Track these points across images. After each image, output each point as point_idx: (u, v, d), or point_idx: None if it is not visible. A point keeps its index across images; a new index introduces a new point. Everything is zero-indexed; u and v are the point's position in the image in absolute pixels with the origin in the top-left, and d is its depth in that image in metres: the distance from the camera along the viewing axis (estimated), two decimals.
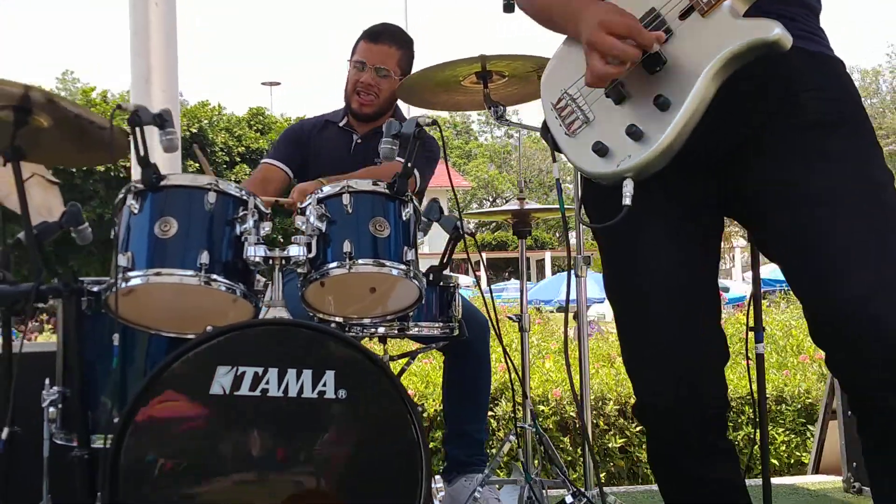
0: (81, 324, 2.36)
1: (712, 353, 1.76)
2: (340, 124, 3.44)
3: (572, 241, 3.18)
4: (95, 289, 2.43)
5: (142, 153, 2.24)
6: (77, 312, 2.33)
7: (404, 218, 2.36)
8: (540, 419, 5.37)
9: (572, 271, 2.62)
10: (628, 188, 1.58)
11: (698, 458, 1.79)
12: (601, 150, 1.63)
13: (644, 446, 5.40)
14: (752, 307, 2.56)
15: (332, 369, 2.07)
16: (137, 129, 2.23)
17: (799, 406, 5.66)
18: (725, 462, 1.82)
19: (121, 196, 2.32)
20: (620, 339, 1.83)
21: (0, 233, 2.94)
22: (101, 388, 2.45)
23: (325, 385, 2.07)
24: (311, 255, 2.27)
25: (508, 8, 2.58)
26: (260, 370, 2.05)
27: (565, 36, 1.77)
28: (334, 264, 2.28)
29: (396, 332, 2.69)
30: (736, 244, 41.11)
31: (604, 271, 1.84)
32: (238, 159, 23.97)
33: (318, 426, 2.07)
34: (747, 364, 2.58)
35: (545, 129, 1.72)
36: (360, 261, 2.26)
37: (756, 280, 2.57)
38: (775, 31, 1.49)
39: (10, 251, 2.39)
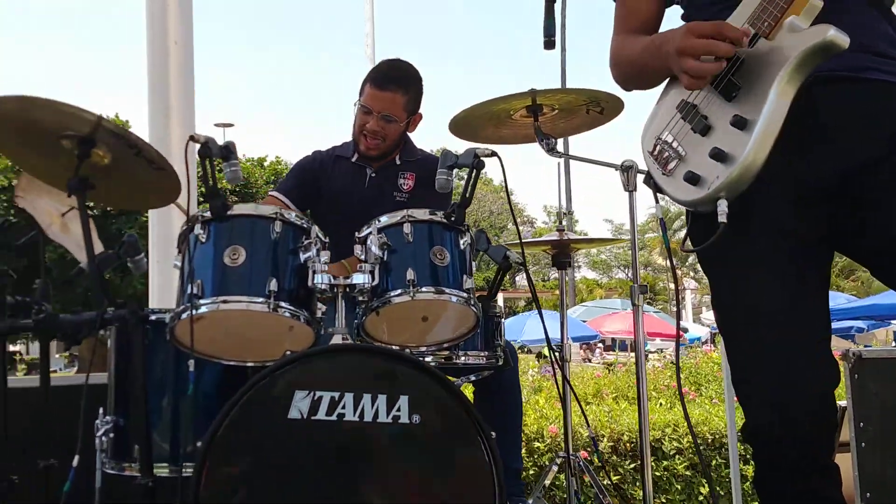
0: (146, 352, 2.37)
1: (825, 378, 1.83)
2: (353, 160, 3.46)
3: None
4: (153, 317, 2.46)
5: (210, 183, 2.29)
6: (142, 340, 2.34)
7: (462, 247, 2.43)
8: (535, 456, 5.42)
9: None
10: (722, 207, 1.69)
11: (807, 479, 1.85)
12: (692, 178, 1.73)
13: (637, 483, 5.49)
14: None
15: (406, 394, 2.12)
16: (207, 161, 2.28)
17: None
18: (831, 483, 1.88)
19: (185, 227, 2.36)
20: (732, 362, 1.89)
21: (41, 263, 2.97)
22: (156, 417, 2.47)
23: (399, 410, 2.12)
24: (374, 284, 2.33)
25: (549, 45, 2.69)
26: (336, 395, 2.10)
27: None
28: (397, 292, 2.33)
29: (443, 360, 2.73)
30: (686, 286, 41.74)
31: (715, 297, 1.92)
32: (201, 199, 23.80)
33: (393, 450, 2.11)
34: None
35: (648, 177, 1.85)
36: (422, 288, 2.32)
37: None
38: (830, 32, 1.63)
39: (46, 283, 2.40)
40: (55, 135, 2.29)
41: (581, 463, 3.02)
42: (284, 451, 2.08)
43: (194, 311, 2.21)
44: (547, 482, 3.12)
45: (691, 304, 38.60)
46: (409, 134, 3.42)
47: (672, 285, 44.87)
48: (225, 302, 2.24)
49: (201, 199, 2.59)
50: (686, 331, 24.88)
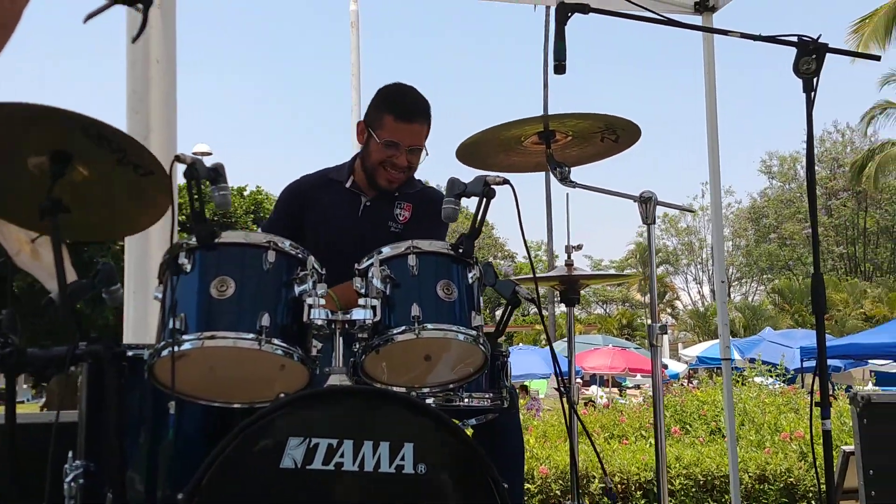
0: (121, 391, 2.16)
1: None
2: (347, 185, 3.23)
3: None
4: (130, 353, 2.26)
5: (197, 208, 2.10)
6: (118, 379, 2.14)
7: (470, 281, 2.25)
8: (525, 497, 5.23)
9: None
10: None
11: None
12: None
13: None
14: (815, 382, 2.46)
15: (411, 442, 1.93)
16: (193, 183, 2.09)
17: (781, 486, 5.62)
18: None
19: (167, 256, 2.17)
20: None
21: (8, 292, 2.75)
22: (132, 462, 2.26)
23: (403, 459, 1.93)
24: (376, 319, 2.14)
25: (560, 69, 2.55)
26: (334, 442, 1.91)
27: None
28: (400, 329, 2.14)
29: (444, 402, 2.54)
30: (665, 321, 41.89)
31: None
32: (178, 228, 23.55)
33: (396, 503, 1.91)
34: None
35: None
36: (428, 325, 2.13)
37: (822, 354, 2.49)
38: None
39: (13, 313, 2.18)
40: (22, 151, 2.08)
41: None
42: (276, 503, 1.88)
43: (177, 348, 2.01)
44: None
45: (668, 341, 38.58)
46: None
47: (649, 321, 44.78)
48: (211, 338, 2.04)
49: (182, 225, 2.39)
50: (666, 367, 24.78)
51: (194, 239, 2.12)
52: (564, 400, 2.53)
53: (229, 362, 2.18)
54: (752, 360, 13.37)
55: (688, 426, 8.04)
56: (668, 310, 42.67)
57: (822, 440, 2.44)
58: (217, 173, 2.15)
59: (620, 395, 20.06)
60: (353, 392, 2.04)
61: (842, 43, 27.58)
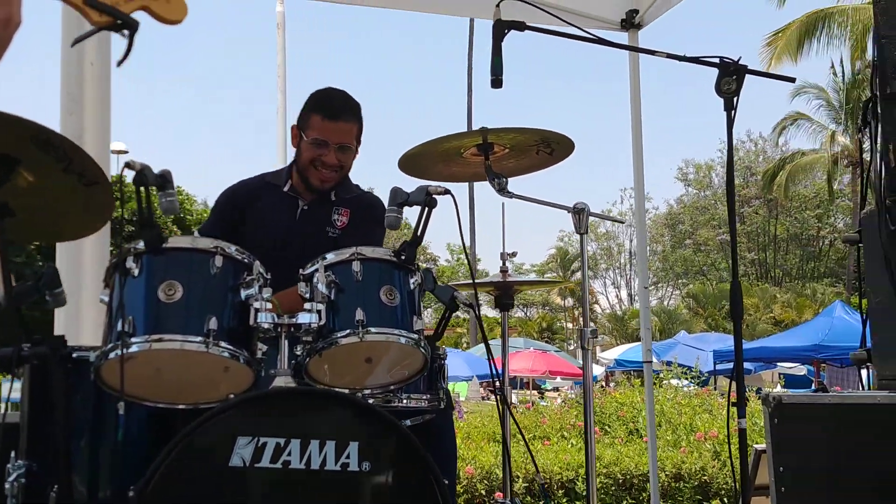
0: (68, 392, 2.19)
1: None
2: (285, 189, 3.27)
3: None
4: (74, 355, 2.29)
5: (145, 213, 2.14)
6: (66, 379, 2.17)
7: (411, 287, 2.34)
8: None
9: None
10: None
11: None
12: None
13: None
14: (733, 384, 2.62)
15: (356, 441, 2.02)
16: (142, 189, 2.14)
17: (696, 483, 5.85)
18: None
19: (114, 260, 2.20)
20: None
21: None
22: (76, 462, 2.28)
23: (348, 457, 2.01)
24: (321, 323, 2.21)
25: (497, 83, 2.66)
26: (282, 441, 1.98)
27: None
28: (344, 332, 2.22)
29: (383, 403, 2.62)
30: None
31: None
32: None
33: (341, 500, 2.00)
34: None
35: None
36: (372, 329, 2.22)
37: (738, 357, 2.66)
38: None
39: None
40: None
41: None
42: (224, 501, 1.95)
43: (125, 350, 2.05)
44: None
45: None
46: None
47: (569, 325, 45.63)
48: (159, 340, 2.09)
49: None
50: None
51: (142, 243, 2.16)
52: (499, 399, 2.63)
53: (175, 365, 2.22)
54: (668, 363, 13.76)
55: (607, 427, 8.27)
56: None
57: (737, 438, 2.59)
58: (165, 179, 2.19)
59: (541, 398, 20.38)
60: (300, 393, 2.11)
61: (756, 55, 28.55)
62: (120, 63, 1.63)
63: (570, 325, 43.37)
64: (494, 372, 2.50)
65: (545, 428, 8.37)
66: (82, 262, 3.62)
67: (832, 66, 32.55)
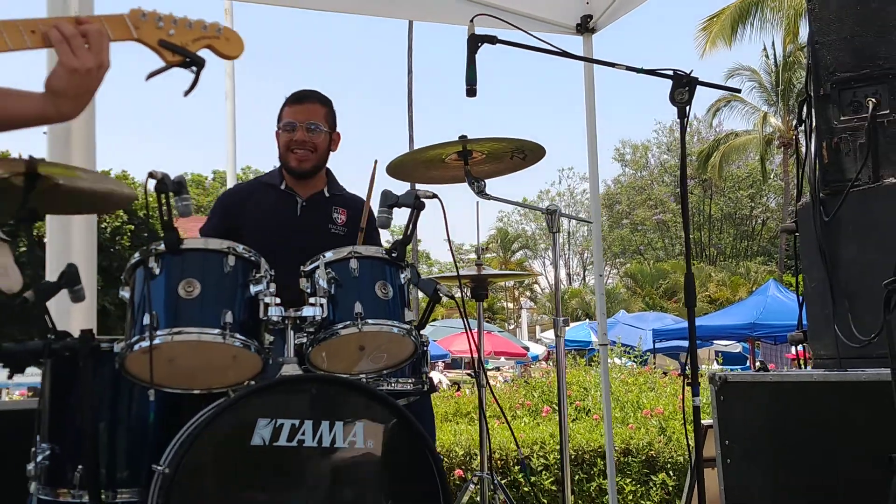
0: (96, 381, 2.40)
1: None
2: (281, 187, 3.50)
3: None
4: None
5: (166, 218, 2.35)
6: (93, 369, 2.37)
7: (402, 281, 2.59)
8: None
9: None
10: None
11: None
12: None
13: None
14: (689, 363, 2.91)
15: (362, 421, 2.27)
16: (162, 196, 2.35)
17: (643, 458, 6.20)
18: None
19: (136, 259, 2.41)
20: None
21: None
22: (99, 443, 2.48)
23: (355, 436, 2.26)
24: (324, 316, 2.45)
25: (471, 93, 2.91)
26: (297, 422, 2.22)
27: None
28: (344, 324, 2.47)
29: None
30: (522, 306, 43.07)
31: None
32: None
33: (349, 474, 2.25)
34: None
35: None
36: (369, 321, 2.46)
37: (692, 339, 2.94)
38: None
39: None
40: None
41: (497, 481, 3.23)
42: (247, 475, 2.18)
43: (152, 342, 2.27)
44: (465, 499, 3.30)
45: (527, 324, 39.77)
46: (331, 164, 3.52)
47: (509, 304, 46.19)
48: (179, 333, 2.31)
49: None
50: (528, 349, 25.71)
51: (162, 245, 2.37)
52: (477, 380, 2.89)
53: (191, 354, 2.44)
54: (612, 343, 14.20)
55: (554, 405, 8.60)
56: (528, 293, 44.01)
57: (692, 414, 2.88)
58: (181, 186, 2.40)
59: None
60: (313, 380, 2.36)
61: (691, 40, 29.13)
62: (187, 94, 1.86)
63: (510, 305, 43.95)
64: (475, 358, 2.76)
65: (495, 408, 8.65)
66: (71, 258, 3.78)
67: (764, 49, 33.46)
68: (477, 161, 3.01)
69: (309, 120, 3.40)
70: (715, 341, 20.20)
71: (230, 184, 5.98)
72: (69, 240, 3.83)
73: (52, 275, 3.95)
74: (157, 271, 2.36)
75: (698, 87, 2.92)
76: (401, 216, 2.69)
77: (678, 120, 2.98)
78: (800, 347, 4.07)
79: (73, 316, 3.88)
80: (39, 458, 2.44)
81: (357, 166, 3.42)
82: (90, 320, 3.60)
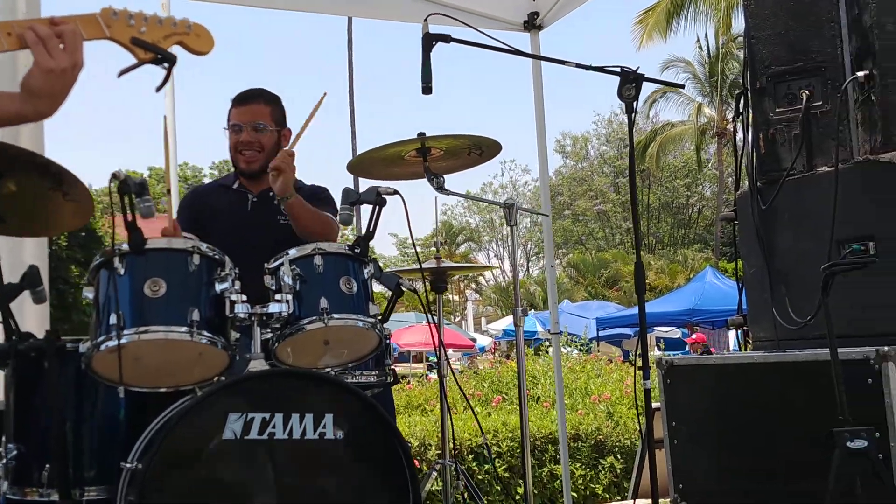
0: (61, 380, 2.42)
1: None
2: (234, 187, 3.56)
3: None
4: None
5: (129, 218, 2.39)
6: (59, 369, 2.39)
7: (366, 276, 2.66)
8: None
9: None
10: None
11: None
12: None
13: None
14: (639, 348, 3.02)
15: (331, 413, 2.33)
16: (125, 196, 2.38)
17: (592, 442, 6.36)
18: None
19: (99, 260, 2.44)
20: None
21: None
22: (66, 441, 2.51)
23: (324, 427, 2.33)
24: (290, 312, 2.51)
25: (427, 90, 2.99)
26: (267, 416, 2.28)
27: None
28: (309, 319, 2.53)
29: None
30: (469, 298, 43.29)
31: None
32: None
33: (320, 464, 2.32)
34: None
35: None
36: (335, 315, 2.53)
37: (642, 328, 3.05)
38: None
39: None
40: None
41: (459, 468, 3.32)
42: (220, 469, 2.24)
43: (119, 341, 2.30)
44: (428, 487, 3.38)
45: (472, 315, 39.96)
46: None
47: (455, 297, 46.35)
48: (146, 332, 2.35)
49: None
50: (475, 341, 25.89)
51: (125, 245, 2.40)
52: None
53: (157, 353, 2.47)
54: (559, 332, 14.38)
55: (504, 394, 8.74)
56: (473, 285, 44.18)
57: (644, 397, 3.00)
58: (142, 187, 2.44)
59: (429, 370, 20.80)
60: (281, 374, 2.42)
61: (628, 33, 29.57)
62: (158, 89, 1.92)
63: (455, 298, 44.18)
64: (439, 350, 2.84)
65: (450, 398, 8.76)
66: (24, 262, 3.77)
67: (698, 41, 34.08)
68: (435, 157, 3.09)
69: (254, 121, 3.42)
70: (656, 328, 20.59)
71: (172, 180, 5.95)
72: (21, 246, 3.82)
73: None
74: (121, 271, 2.39)
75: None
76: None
77: (625, 115, 3.09)
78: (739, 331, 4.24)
79: (26, 320, 3.89)
80: (6, 458, 2.46)
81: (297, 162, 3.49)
82: (44, 323, 3.60)
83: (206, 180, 39.86)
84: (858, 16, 3.61)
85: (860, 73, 3.57)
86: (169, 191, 3.32)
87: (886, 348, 2.94)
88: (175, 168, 6.15)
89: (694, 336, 17.26)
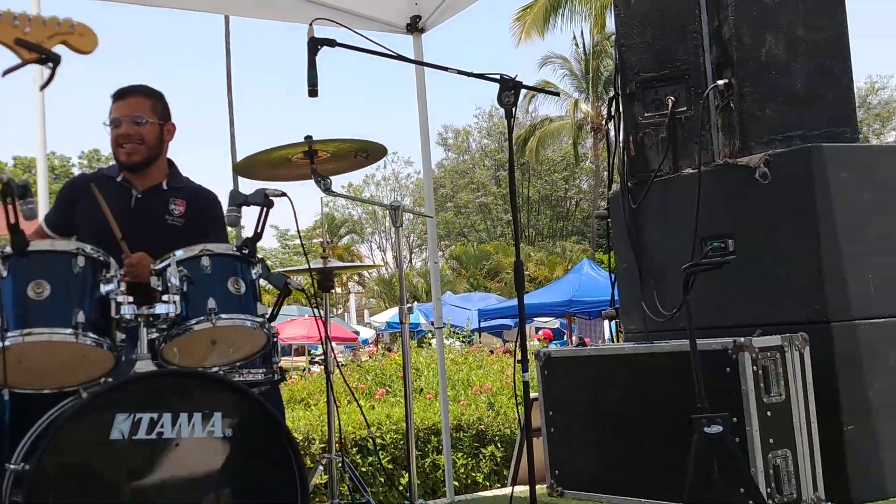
0: None
1: None
2: (118, 179, 3.46)
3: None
4: None
5: (12, 220, 2.37)
6: None
7: (254, 277, 2.71)
8: None
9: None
10: None
11: None
12: None
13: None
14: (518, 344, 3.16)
15: (220, 411, 2.38)
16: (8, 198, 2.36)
17: (474, 432, 6.53)
18: None
19: None
20: None
21: None
22: None
23: (213, 425, 2.37)
24: (178, 312, 2.54)
25: (313, 93, 3.04)
26: (155, 415, 2.31)
27: None
28: (197, 320, 2.56)
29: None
30: (351, 290, 43.18)
31: None
32: None
33: (210, 462, 2.36)
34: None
35: None
36: (223, 316, 2.57)
37: (521, 322, 3.18)
38: None
39: None
40: None
41: (346, 462, 3.39)
42: (108, 469, 2.26)
43: (4, 343, 2.29)
44: (315, 481, 3.44)
45: (355, 307, 39.87)
46: (169, 150, 3.49)
47: (337, 290, 46.09)
48: (30, 334, 2.35)
49: None
50: (358, 334, 25.89)
51: (8, 247, 2.39)
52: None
53: (40, 355, 2.47)
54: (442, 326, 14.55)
55: (388, 387, 8.84)
56: (356, 277, 44.01)
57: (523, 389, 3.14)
58: (26, 189, 2.42)
59: (312, 363, 20.71)
60: (169, 374, 2.45)
61: (507, 30, 30.03)
62: (43, 88, 1.93)
63: (338, 290, 43.99)
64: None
65: (291, 395, 8.73)
66: None
67: (574, 38, 34.91)
68: (322, 160, 3.15)
69: (133, 114, 3.37)
70: (535, 318, 21.08)
71: (40, 170, 5.77)
72: None
73: None
74: (4, 273, 2.37)
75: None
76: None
77: (506, 120, 3.20)
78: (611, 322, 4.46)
79: None
80: None
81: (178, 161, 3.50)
82: None
83: (76, 171, 38.49)
84: (718, 28, 3.87)
85: (720, 82, 3.82)
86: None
87: (742, 339, 3.19)
88: (44, 158, 6.00)
89: (540, 333, 17.94)
